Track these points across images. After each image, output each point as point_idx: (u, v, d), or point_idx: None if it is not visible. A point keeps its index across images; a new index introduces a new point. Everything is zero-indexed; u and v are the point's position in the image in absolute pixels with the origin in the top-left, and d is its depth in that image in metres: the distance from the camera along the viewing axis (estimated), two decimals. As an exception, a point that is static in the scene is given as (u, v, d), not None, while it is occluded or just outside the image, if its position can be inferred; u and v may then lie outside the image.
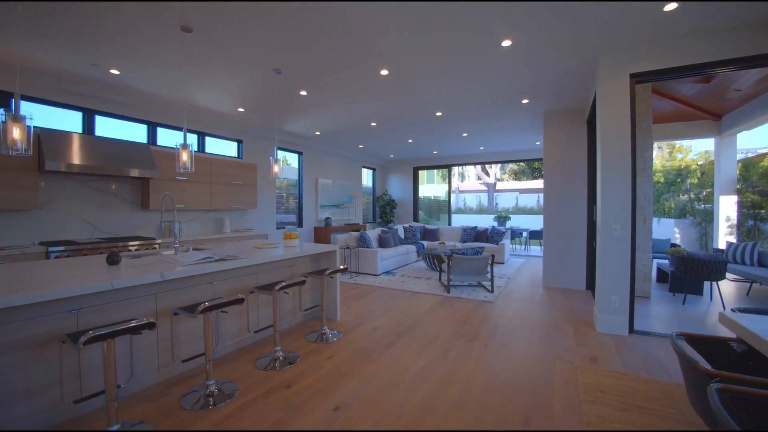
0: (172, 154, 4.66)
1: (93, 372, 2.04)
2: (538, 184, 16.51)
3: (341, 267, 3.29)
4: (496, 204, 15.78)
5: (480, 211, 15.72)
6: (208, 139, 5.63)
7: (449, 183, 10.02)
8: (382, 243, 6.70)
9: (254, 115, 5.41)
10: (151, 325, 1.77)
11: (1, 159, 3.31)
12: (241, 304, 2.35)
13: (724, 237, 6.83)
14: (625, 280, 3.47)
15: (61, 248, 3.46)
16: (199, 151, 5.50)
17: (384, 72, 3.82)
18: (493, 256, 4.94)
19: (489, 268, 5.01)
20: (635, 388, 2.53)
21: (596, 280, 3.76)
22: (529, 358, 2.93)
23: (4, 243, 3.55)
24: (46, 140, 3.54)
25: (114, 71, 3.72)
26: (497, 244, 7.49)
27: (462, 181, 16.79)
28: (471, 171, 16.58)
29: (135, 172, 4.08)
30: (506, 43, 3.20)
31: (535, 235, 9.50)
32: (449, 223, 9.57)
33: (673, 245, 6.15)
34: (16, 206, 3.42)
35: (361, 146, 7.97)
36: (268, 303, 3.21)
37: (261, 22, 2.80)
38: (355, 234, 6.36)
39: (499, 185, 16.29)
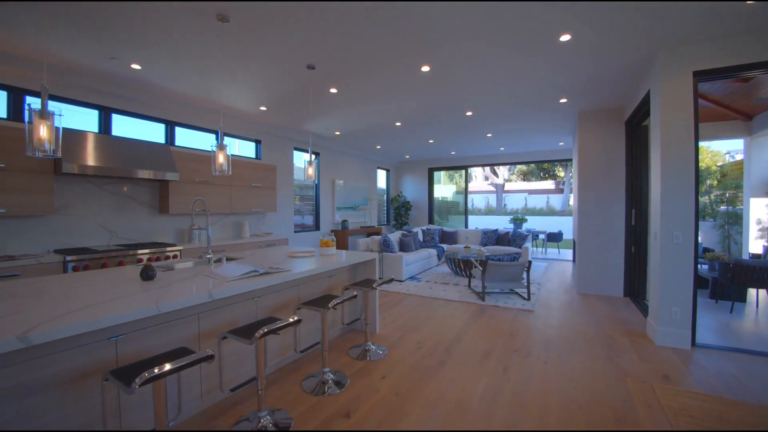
0: (191, 155, 4.39)
1: (136, 407, 1.78)
2: (547, 185, 16.38)
3: (390, 278, 3.04)
4: (505, 205, 15.57)
5: (489, 212, 15.51)
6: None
7: (465, 184, 9.78)
8: (403, 247, 6.45)
9: (276, 114, 5.15)
10: (210, 358, 1.51)
11: (16, 161, 3.03)
12: (299, 325, 2.09)
13: (755, 241, 6.63)
14: (687, 291, 3.24)
15: (78, 257, 3.18)
16: (217, 151, 5.22)
17: (425, 68, 3.57)
18: (530, 262, 4.71)
19: (525, 275, 4.77)
20: (725, 413, 2.31)
21: (651, 290, 3.53)
22: (597, 375, 2.70)
23: (17, 251, 3.27)
24: (63, 140, 3.26)
25: (135, 66, 3.45)
26: (520, 248, 7.26)
27: (469, 181, 16.48)
28: (479, 171, 16.37)
29: (155, 175, 3.81)
30: (565, 37, 2.97)
31: (552, 237, 9.28)
32: (465, 226, 9.33)
33: (707, 250, 5.95)
34: (31, 211, 3.14)
35: (378, 147, 7.72)
36: (309, 318, 2.95)
37: (301, 14, 2.55)
38: (377, 238, 6.11)
39: (508, 186, 16.11)
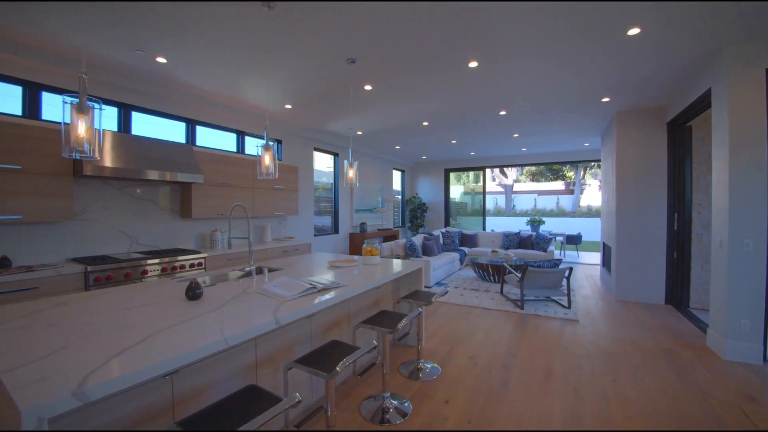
0: (213, 155, 4.12)
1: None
2: (557, 185, 16.18)
3: (445, 291, 2.79)
4: (514, 206, 15.36)
5: (498, 213, 15.27)
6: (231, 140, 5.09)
7: (484, 186, 9.54)
8: (426, 251, 6.20)
9: (300, 112, 4.88)
10: (296, 405, 1.25)
11: (33, 162, 2.76)
12: (372, 352, 1.84)
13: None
14: (759, 302, 3.01)
15: (100, 268, 2.91)
16: (239, 152, 4.96)
17: (473, 64, 3.33)
18: (570, 269, 4.47)
19: (565, 282, 4.54)
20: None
21: (715, 300, 3.30)
22: (675, 396, 2.48)
23: (32, 260, 3.00)
24: (83, 140, 2.99)
25: (161, 59, 3.18)
26: (545, 251, 7.04)
27: (477, 182, 16.28)
28: (487, 172, 16.12)
29: (179, 177, 3.54)
30: (633, 31, 2.74)
31: (571, 240, 9.07)
32: (483, 228, 9.09)
33: None
34: (50, 217, 2.87)
35: (397, 147, 7.46)
36: (359, 334, 2.69)
37: (351, 3, 2.30)
38: (402, 242, 5.86)
39: (517, 187, 15.90)
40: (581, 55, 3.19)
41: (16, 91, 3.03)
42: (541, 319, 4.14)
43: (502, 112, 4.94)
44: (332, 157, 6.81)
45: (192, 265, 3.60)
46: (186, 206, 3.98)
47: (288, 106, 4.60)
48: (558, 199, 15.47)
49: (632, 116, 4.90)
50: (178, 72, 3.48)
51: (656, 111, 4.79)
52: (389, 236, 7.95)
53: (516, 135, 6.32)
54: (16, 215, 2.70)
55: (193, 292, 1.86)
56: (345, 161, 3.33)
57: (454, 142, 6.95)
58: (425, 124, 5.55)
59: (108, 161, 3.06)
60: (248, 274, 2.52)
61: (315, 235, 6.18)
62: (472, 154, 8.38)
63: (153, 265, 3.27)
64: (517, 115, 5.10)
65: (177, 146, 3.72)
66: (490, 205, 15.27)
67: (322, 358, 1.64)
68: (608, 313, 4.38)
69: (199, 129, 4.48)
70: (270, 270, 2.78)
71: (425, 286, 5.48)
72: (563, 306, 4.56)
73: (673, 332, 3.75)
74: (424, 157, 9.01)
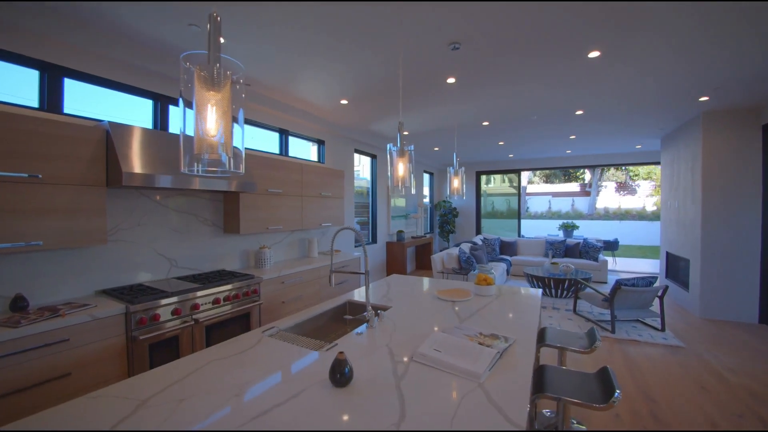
0: (262, 159, 3.46)
1: None
2: (572, 187, 15.82)
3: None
4: (528, 208, 14.93)
5: (510, 215, 14.83)
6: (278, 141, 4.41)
7: (519, 189, 9.02)
8: (476, 262, 5.63)
9: (354, 109, 4.24)
10: None
11: (57, 169, 2.08)
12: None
13: None
14: None
15: (144, 307, 2.24)
16: (281, 154, 4.28)
17: (593, 54, 2.77)
18: (666, 287, 3.96)
19: (659, 302, 4.02)
20: None
21: None
22: None
23: (54, 296, 2.31)
24: (119, 140, 2.31)
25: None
26: (596, 261, 6.55)
27: (488, 183, 15.84)
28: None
29: (229, 185, 2.87)
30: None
31: (608, 246, 8.60)
32: (519, 234, 8.57)
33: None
34: (78, 242, 2.18)
35: (436, 149, 6.86)
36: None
37: None
38: (454, 253, 5.28)
39: (530, 188, 15.45)
40: (697, 49, 2.66)
41: (32, 76, 2.33)
42: (642, 346, 3.61)
43: (579, 112, 4.40)
44: (370, 159, 6.17)
45: (247, 293, 2.94)
46: (231, 219, 3.31)
47: (344, 102, 3.95)
48: (573, 201, 15.14)
49: (722, 117, 4.42)
50: (233, 51, 2.81)
51: (750, 112, 4.31)
52: (423, 244, 7.36)
53: (573, 137, 5.80)
54: (36, 241, 2.01)
55: (342, 374, 1.23)
56: (450, 168, 2.70)
57: (501, 143, 6.39)
58: (485, 124, 4.98)
59: (143, 166, 2.36)
60: (360, 320, 1.89)
61: (356, 246, 5.55)
62: (511, 156, 7.85)
63: (204, 296, 2.60)
64: (591, 116, 4.57)
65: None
66: (502, 206, 14.87)
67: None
68: (707, 336, 3.88)
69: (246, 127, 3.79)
70: (376, 310, 2.14)
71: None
72: (655, 328, 4.05)
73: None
74: (457, 159, 8.44)
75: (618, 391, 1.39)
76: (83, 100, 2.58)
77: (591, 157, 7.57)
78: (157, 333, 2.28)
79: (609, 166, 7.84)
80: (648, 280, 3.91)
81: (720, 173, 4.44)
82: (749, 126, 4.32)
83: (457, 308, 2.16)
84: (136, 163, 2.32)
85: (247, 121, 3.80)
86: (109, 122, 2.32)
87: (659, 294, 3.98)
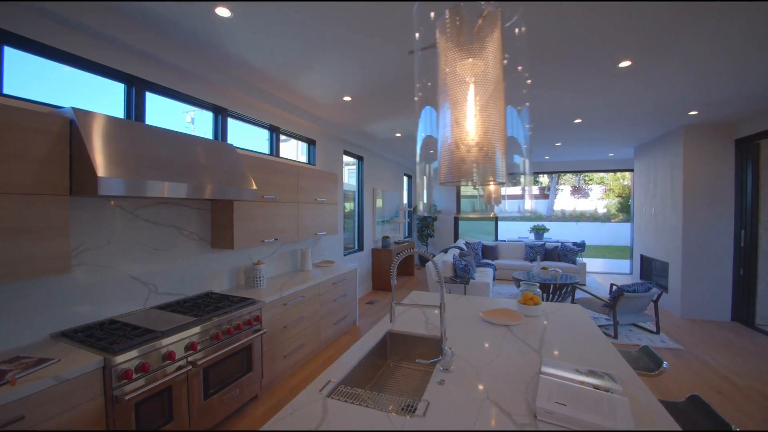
0: (258, 160, 2.96)
1: None
2: (531, 190, 16.63)
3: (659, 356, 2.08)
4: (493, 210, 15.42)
5: (483, 217, 15.23)
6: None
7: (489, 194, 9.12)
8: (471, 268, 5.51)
9: (357, 107, 3.83)
10: None
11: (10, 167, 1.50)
12: None
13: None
14: None
15: (128, 359, 1.71)
16: (272, 154, 3.75)
17: (624, 64, 2.71)
18: (661, 293, 4.10)
19: (654, 306, 4.17)
20: None
21: None
22: None
23: (5, 343, 1.68)
24: (89, 133, 1.74)
25: (222, 11, 2.02)
26: (574, 264, 6.79)
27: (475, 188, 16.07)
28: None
29: (230, 193, 2.37)
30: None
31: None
32: (495, 238, 8.67)
33: None
34: (32, 272, 1.59)
35: (431, 151, 6.63)
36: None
37: None
38: (448, 261, 5.10)
39: (502, 191, 15.92)
40: (706, 66, 2.75)
41: None
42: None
43: (578, 120, 4.44)
44: (356, 161, 5.77)
45: (249, 322, 2.45)
46: (222, 232, 2.77)
47: (347, 98, 3.55)
48: (546, 203, 15.91)
49: (700, 131, 4.72)
50: (236, 33, 2.31)
51: (724, 127, 4.65)
52: (409, 248, 7.11)
53: (559, 144, 5.92)
54: (-31, 275, 1.42)
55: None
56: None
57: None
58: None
59: (127, 170, 1.79)
60: (447, 365, 1.55)
61: (345, 254, 5.14)
62: (491, 160, 7.89)
63: (199, 333, 2.09)
64: (587, 124, 4.64)
65: (214, 145, 2.52)
66: (468, 208, 15.18)
67: None
68: (697, 336, 4.09)
69: (231, 122, 3.23)
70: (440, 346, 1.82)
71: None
72: (651, 331, 4.19)
73: (783, 360, 3.52)
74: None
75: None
76: (33, 81, 1.94)
77: (564, 163, 7.89)
78: (147, 388, 1.75)
79: (585, 172, 8.21)
80: (646, 286, 4.02)
81: (700, 183, 4.74)
82: (723, 140, 4.66)
83: (516, 334, 1.92)
84: (115, 164, 1.77)
85: (235, 116, 3.25)
86: (74, 109, 1.74)
87: (654, 298, 4.11)
